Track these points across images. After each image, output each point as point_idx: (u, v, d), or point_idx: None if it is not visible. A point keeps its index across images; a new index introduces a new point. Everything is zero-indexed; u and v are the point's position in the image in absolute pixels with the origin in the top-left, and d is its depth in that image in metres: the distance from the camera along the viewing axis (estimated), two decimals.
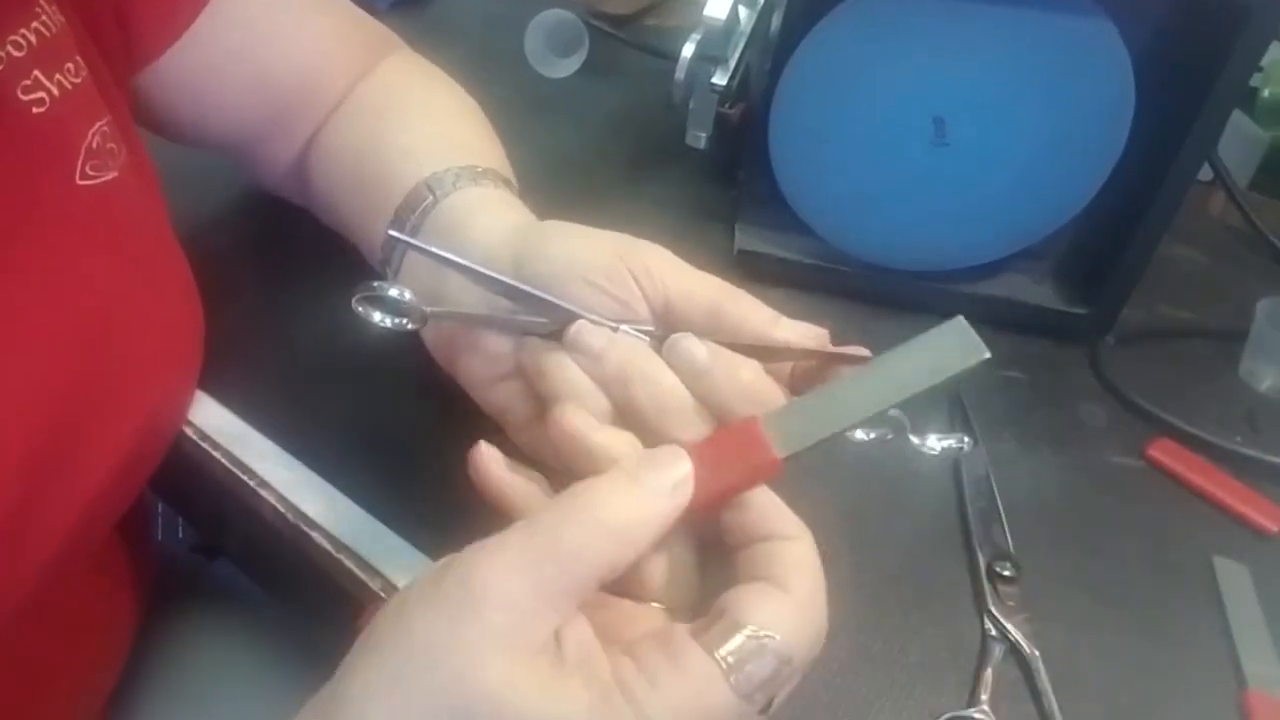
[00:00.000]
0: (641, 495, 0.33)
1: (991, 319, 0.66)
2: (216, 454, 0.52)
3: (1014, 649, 0.48)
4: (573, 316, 0.40)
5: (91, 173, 0.44)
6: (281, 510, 0.50)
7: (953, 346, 0.35)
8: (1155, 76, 0.58)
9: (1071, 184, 0.62)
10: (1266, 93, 0.85)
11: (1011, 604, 0.49)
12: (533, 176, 0.59)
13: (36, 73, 0.42)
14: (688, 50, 0.66)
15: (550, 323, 0.41)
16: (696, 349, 0.38)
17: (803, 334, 0.40)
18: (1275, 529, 0.55)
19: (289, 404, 0.55)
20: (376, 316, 0.41)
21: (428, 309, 0.41)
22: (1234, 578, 0.53)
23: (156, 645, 0.65)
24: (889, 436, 0.40)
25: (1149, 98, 0.58)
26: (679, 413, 0.38)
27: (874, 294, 0.67)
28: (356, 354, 0.57)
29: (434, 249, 0.41)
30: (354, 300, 0.40)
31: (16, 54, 0.41)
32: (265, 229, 0.67)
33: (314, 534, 0.49)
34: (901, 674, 0.47)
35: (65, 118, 0.44)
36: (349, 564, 0.48)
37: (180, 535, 0.74)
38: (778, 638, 0.31)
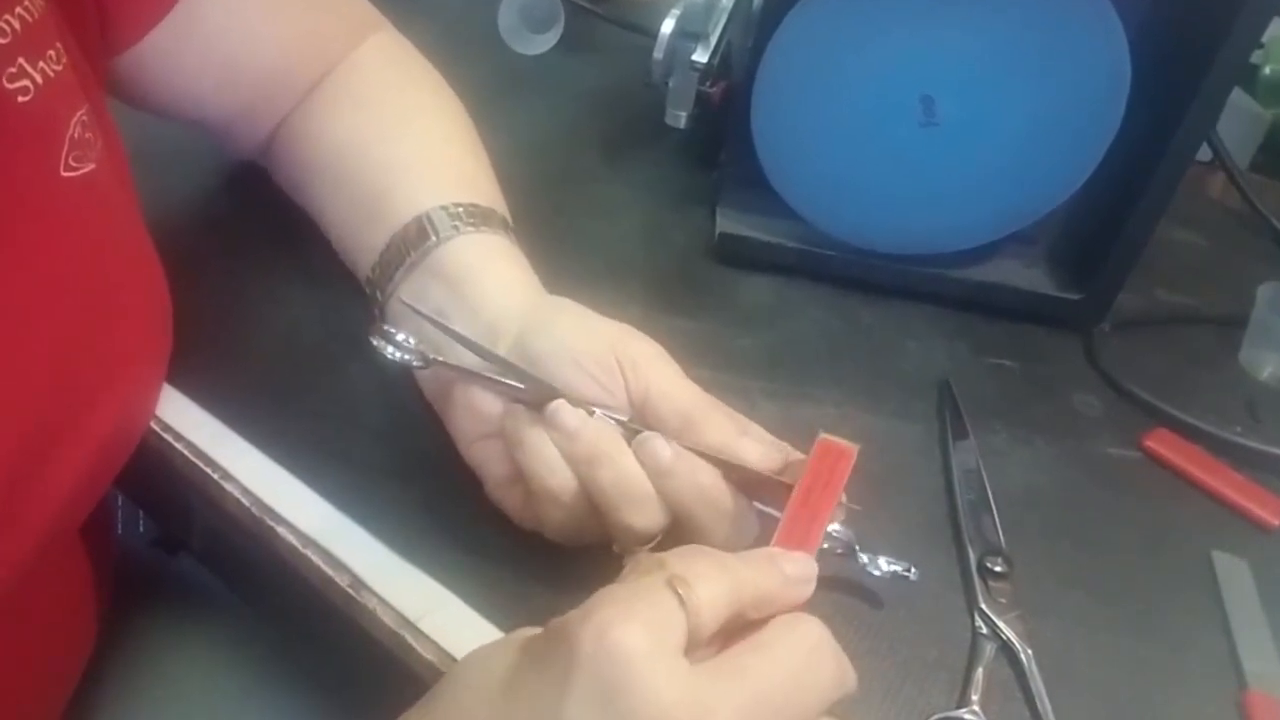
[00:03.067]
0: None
1: (982, 305, 0.66)
2: (179, 445, 0.51)
3: (1005, 647, 0.47)
4: (555, 394, 0.44)
5: (74, 164, 0.44)
6: (246, 504, 0.49)
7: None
8: (1152, 53, 0.57)
9: (1065, 165, 0.61)
10: (1267, 70, 0.86)
11: (1003, 601, 0.49)
12: (506, 158, 0.59)
13: (21, 60, 0.41)
14: (667, 26, 0.67)
15: (535, 394, 0.45)
16: (662, 449, 0.42)
17: (764, 454, 0.44)
18: (1276, 523, 0.55)
19: (254, 395, 0.54)
20: (389, 351, 0.46)
21: (432, 355, 0.46)
22: (1234, 573, 0.52)
23: (118, 645, 0.64)
24: (838, 552, 0.46)
25: (1146, 75, 0.58)
26: (639, 499, 0.43)
27: (860, 279, 0.67)
28: (324, 345, 0.58)
29: (441, 321, 0.47)
30: (370, 335, 0.46)
31: (1, 41, 0.40)
32: (230, 217, 0.67)
33: (279, 528, 0.48)
34: (889, 673, 0.46)
35: (50, 107, 0.43)
36: (315, 559, 0.47)
37: (141, 529, 0.74)
38: None
